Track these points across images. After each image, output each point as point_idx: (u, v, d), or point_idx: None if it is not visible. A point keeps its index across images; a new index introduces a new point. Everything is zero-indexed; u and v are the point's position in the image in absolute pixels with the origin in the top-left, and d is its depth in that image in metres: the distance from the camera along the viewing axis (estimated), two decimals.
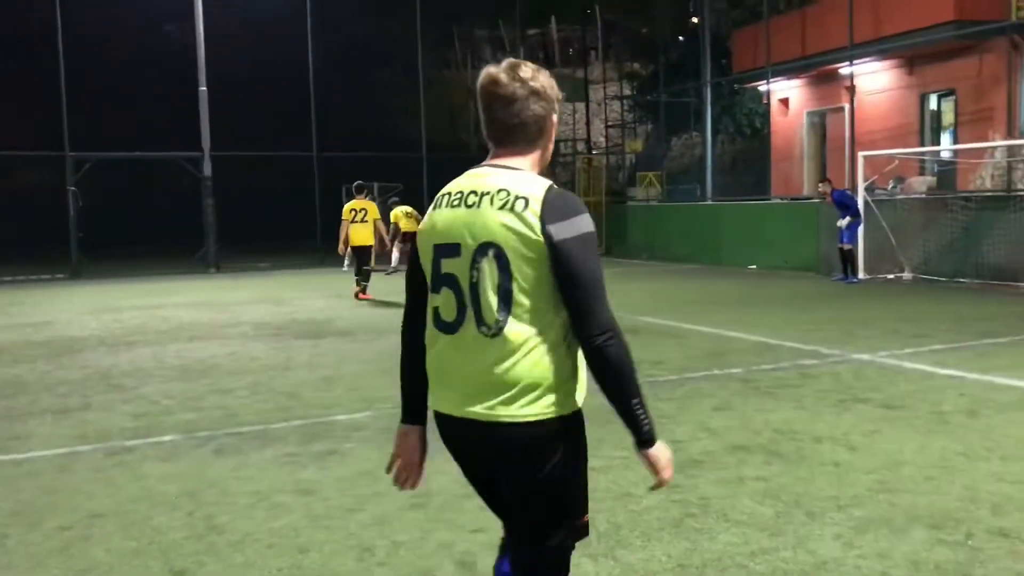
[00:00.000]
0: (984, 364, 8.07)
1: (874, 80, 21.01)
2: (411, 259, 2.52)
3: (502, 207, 2.31)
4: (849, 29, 18.80)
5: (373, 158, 25.72)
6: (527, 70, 2.39)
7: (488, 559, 3.90)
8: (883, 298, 13.78)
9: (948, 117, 20.04)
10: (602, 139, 33.62)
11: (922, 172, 19.30)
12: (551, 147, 2.48)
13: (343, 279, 18.94)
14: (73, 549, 4.18)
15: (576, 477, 2.48)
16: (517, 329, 2.31)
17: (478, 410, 2.36)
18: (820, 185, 17.05)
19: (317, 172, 23.77)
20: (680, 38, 30.49)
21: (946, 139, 20.03)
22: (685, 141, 31.63)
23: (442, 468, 5.14)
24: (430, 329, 2.46)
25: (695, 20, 27.39)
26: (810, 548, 3.94)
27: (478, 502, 4.59)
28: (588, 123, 34.01)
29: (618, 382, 2.37)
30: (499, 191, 2.33)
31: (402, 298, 2.64)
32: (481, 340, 2.34)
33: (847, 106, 20.20)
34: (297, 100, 24.55)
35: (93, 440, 6.11)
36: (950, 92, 19.66)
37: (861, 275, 16.47)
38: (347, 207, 14.74)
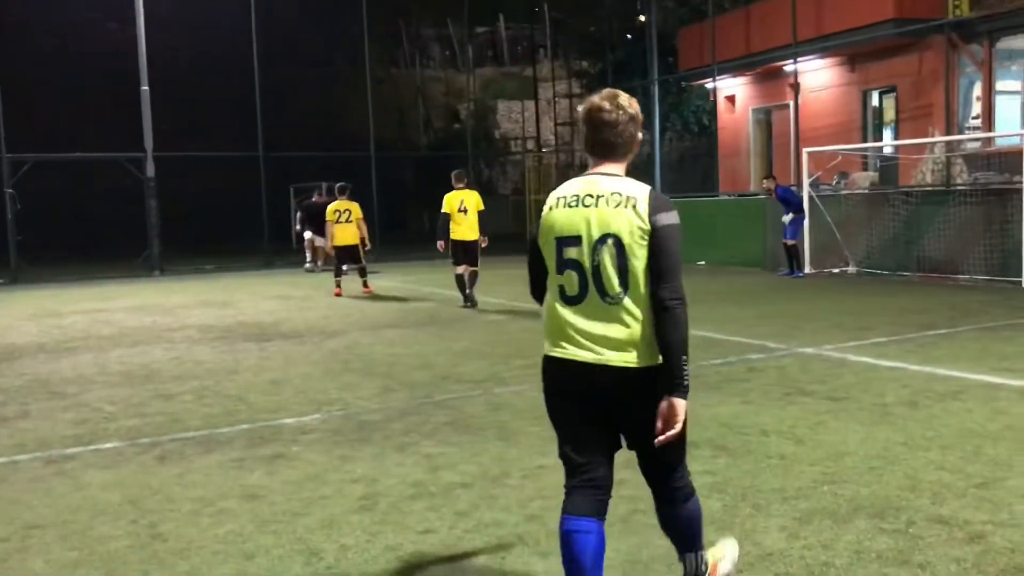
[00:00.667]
0: (925, 355, 8.24)
1: (817, 77, 21.34)
2: (532, 249, 3.26)
3: (617, 205, 3.05)
4: (792, 27, 19.08)
5: (321, 157, 25.49)
6: (624, 99, 3.13)
7: (437, 561, 3.89)
8: (828, 292, 14.01)
9: (889, 113, 20.44)
10: (552, 137, 33.71)
11: (865, 168, 19.68)
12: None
13: (290, 281, 18.76)
14: (10, 561, 4.07)
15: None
16: (632, 299, 3.06)
17: (604, 357, 3.06)
18: (764, 181, 17.30)
19: (263, 171, 23.46)
20: (628, 36, 30.68)
21: (888, 135, 20.44)
22: None
23: (389, 471, 5.14)
24: (555, 301, 3.16)
25: (642, 18, 27.59)
26: (756, 540, 3.98)
27: (425, 503, 4.58)
28: (538, 121, 34.09)
29: (678, 338, 3.03)
30: (612, 193, 3.07)
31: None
32: (604, 308, 3.06)
33: (791, 103, 20.51)
34: (242, 99, 24.20)
35: (32, 449, 5.96)
36: (891, 89, 20.06)
37: (807, 269, 16.74)
38: (331, 208, 15.10)
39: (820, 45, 19.75)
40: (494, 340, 10.02)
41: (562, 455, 3.26)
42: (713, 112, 24.35)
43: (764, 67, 21.89)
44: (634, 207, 3.04)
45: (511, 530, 4.20)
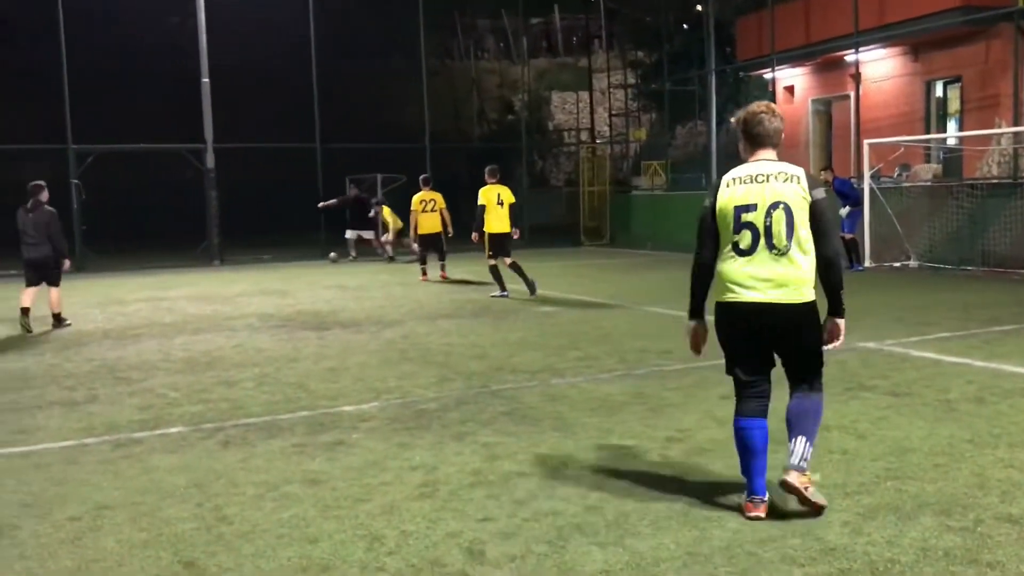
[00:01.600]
0: (990, 351, 8.06)
1: (879, 67, 20.92)
2: (704, 218, 4.27)
3: (785, 181, 4.12)
4: (854, 16, 18.72)
5: (376, 149, 25.68)
6: (775, 108, 4.33)
7: (496, 547, 3.91)
8: (889, 286, 13.75)
9: (954, 104, 19.96)
10: (606, 128, 33.53)
11: (927, 160, 19.24)
12: None
13: (347, 271, 18.96)
14: (84, 540, 4.19)
15: (821, 336, 4.27)
16: (796, 250, 4.10)
17: (776, 297, 4.11)
18: (822, 173, 17.00)
19: (320, 163, 23.73)
20: (684, 26, 30.38)
21: (952, 126, 19.96)
22: (690, 130, 31.56)
23: (448, 459, 5.19)
24: (729, 256, 4.20)
25: (699, 7, 27.28)
26: (818, 535, 3.94)
27: (484, 491, 4.62)
28: (592, 112, 33.94)
29: (838, 280, 4.22)
30: (779, 172, 4.15)
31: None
32: (772, 257, 4.11)
33: (852, 94, 20.12)
34: (300, 91, 24.48)
35: (100, 432, 6.13)
36: (956, 79, 19.58)
37: (867, 263, 16.43)
38: (416, 198, 16.05)
39: (883, 34, 19.35)
40: (548, 331, 10.03)
41: (733, 375, 4.35)
42: (771, 103, 24.05)
43: (824, 57, 21.53)
44: (798, 182, 4.12)
45: (569, 520, 4.21)
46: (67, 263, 11.50)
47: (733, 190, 4.18)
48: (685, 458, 5.13)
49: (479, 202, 13.32)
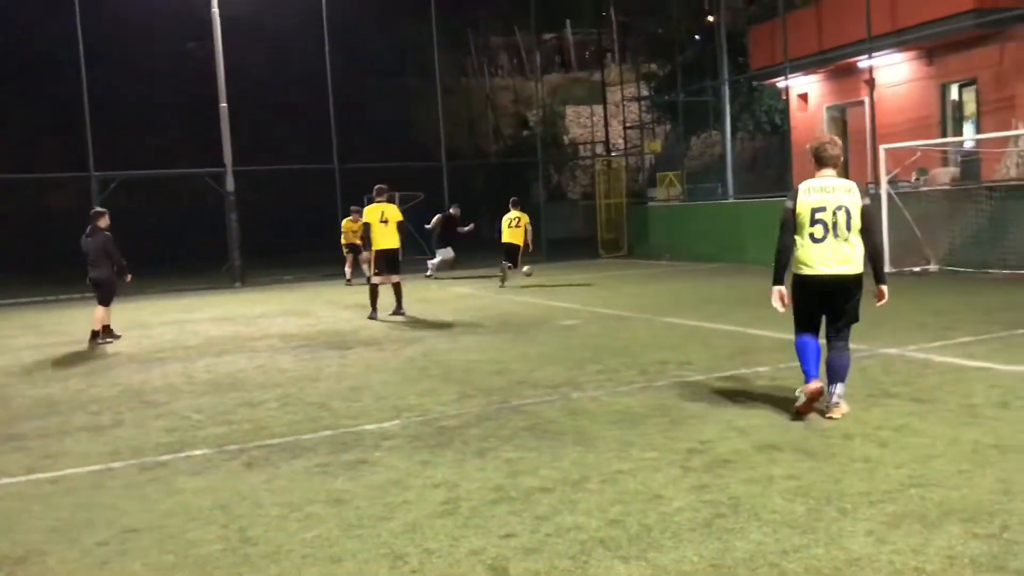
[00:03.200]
0: (1014, 355, 8.00)
1: (893, 72, 20.85)
2: (788, 216, 6.09)
3: (847, 192, 5.96)
4: (866, 22, 18.68)
5: (394, 168, 25.85)
6: (837, 139, 6.25)
7: (519, 563, 3.93)
8: (909, 291, 13.65)
9: (970, 107, 19.84)
10: (621, 141, 33.56)
11: (945, 163, 19.13)
12: None
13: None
14: (112, 564, 4.24)
15: (861, 295, 6.13)
16: (855, 238, 5.96)
17: (839, 271, 5.98)
18: None
19: (339, 184, 23.89)
20: (696, 37, 30.41)
21: (968, 129, 19.83)
22: (704, 140, 31.54)
23: (470, 476, 5.21)
24: (806, 243, 6.03)
25: (711, 18, 27.31)
26: (843, 545, 3.92)
27: (506, 508, 4.63)
28: (606, 125, 33.99)
29: (879, 259, 6.24)
30: (840, 185, 5.99)
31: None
32: (838, 243, 5.95)
33: (867, 99, 20.06)
34: (317, 113, 24.70)
35: (127, 456, 6.19)
36: (971, 81, 19.48)
37: (887, 269, 16.33)
38: (506, 218, 18.57)
39: (896, 39, 19.30)
40: (568, 345, 10.04)
41: (799, 320, 6.25)
42: (785, 111, 23.98)
43: (837, 64, 21.48)
44: (853, 192, 6.00)
45: (592, 534, 4.22)
46: (128, 277, 12.69)
47: (810, 197, 6.02)
48: (707, 469, 5.12)
49: (363, 220, 13.86)
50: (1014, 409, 6.11)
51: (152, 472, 5.77)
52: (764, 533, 4.11)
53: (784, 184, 22.23)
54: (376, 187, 13.79)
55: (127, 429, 7.04)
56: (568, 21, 42.10)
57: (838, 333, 6.12)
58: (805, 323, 6.19)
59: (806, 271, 6.04)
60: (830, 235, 5.93)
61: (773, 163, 27.06)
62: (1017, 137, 16.77)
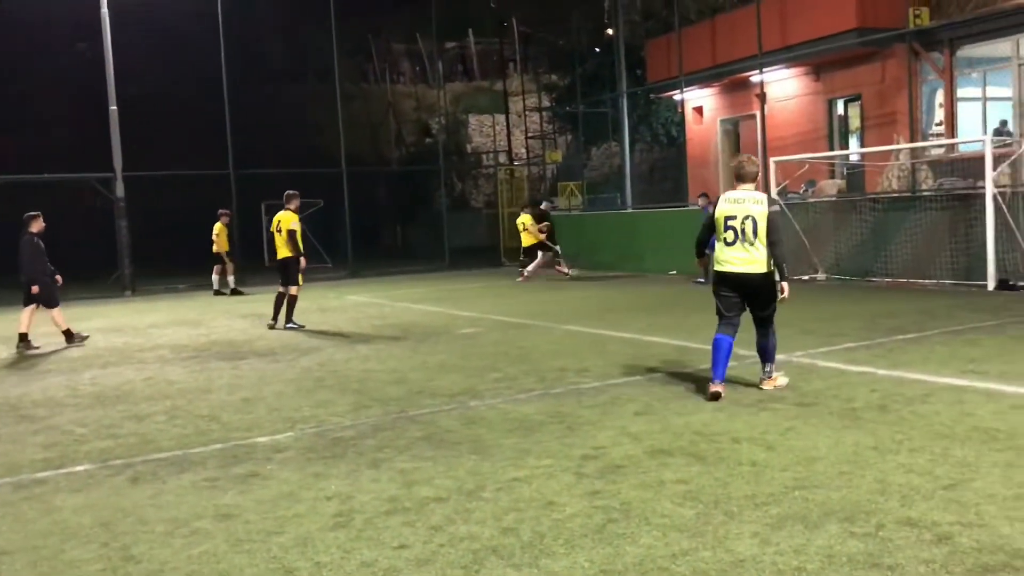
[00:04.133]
0: (894, 360, 8.36)
1: (784, 87, 21.61)
2: (708, 222, 7.30)
3: (756, 203, 7.03)
4: (758, 38, 19.31)
5: (292, 174, 25.42)
6: (754, 158, 7.45)
7: (411, 575, 3.89)
8: (798, 299, 14.10)
9: (855, 121, 20.72)
10: (523, 150, 33.82)
11: (832, 176, 19.91)
12: None
13: (265, 298, 18.62)
14: None
15: (775, 295, 7.16)
16: (760, 244, 6.98)
17: (746, 269, 7.04)
18: (699, 200, 17.52)
19: (235, 189, 23.35)
20: (596, 49, 30.89)
21: (854, 143, 20.70)
22: (604, 151, 32.04)
23: (363, 487, 5.14)
24: (722, 245, 7.11)
25: (610, 31, 27.79)
26: (729, 547, 4.02)
27: (400, 519, 4.60)
28: (509, 135, 34.19)
29: (782, 261, 7.07)
30: (751, 197, 7.08)
31: None
32: (745, 247, 7.00)
33: (758, 113, 20.73)
34: (212, 117, 24.11)
35: (0, 475, 5.90)
36: (856, 97, 20.34)
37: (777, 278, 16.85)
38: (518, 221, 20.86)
39: (785, 55, 20.01)
40: (468, 353, 10.03)
41: (719, 314, 7.27)
42: (682, 123, 24.54)
43: (731, 78, 22.13)
44: (762, 204, 7.01)
45: (485, 543, 4.22)
46: (35, 288, 12.10)
47: (724, 207, 7.14)
48: (600, 476, 5.18)
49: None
50: (891, 412, 6.38)
51: (28, 490, 5.50)
52: (654, 537, 4.17)
53: (681, 195, 22.79)
54: (285, 193, 13.54)
55: (2, 445, 6.71)
56: (470, 30, 42.23)
57: (760, 323, 7.30)
58: (723, 314, 7.23)
59: (720, 268, 7.19)
60: (739, 240, 7.02)
61: (670, 175, 27.68)
62: (898, 151, 17.58)
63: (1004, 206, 13.94)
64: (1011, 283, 13.76)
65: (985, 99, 18.04)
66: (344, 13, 25.31)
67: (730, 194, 7.16)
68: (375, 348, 10.79)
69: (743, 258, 7.01)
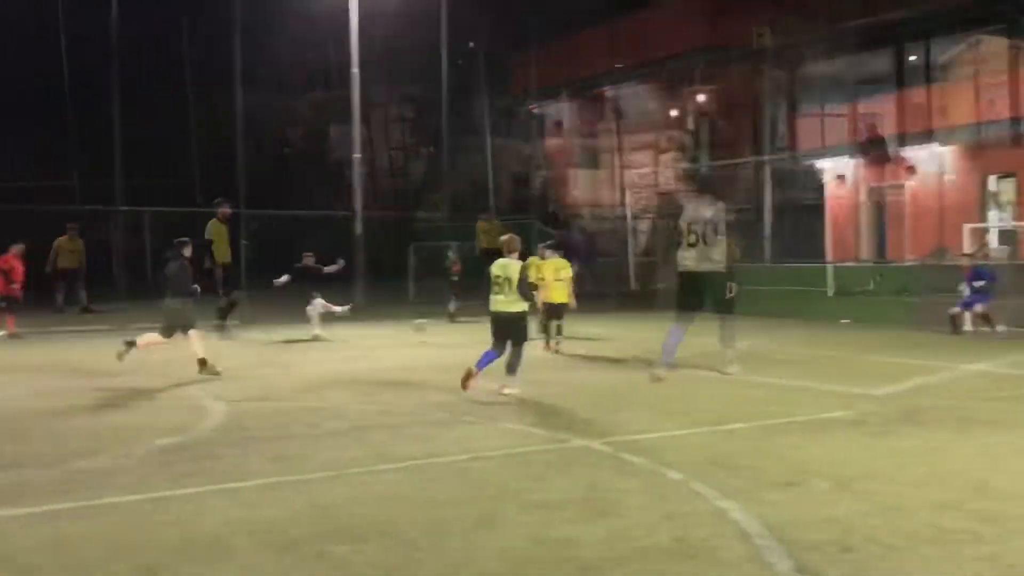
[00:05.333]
0: None
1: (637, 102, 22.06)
2: (677, 225, 8.72)
3: (715, 211, 8.57)
4: (611, 55, 19.70)
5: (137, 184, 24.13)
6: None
7: None
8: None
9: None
10: (386, 162, 33.40)
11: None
12: None
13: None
14: None
15: (733, 292, 8.90)
16: (718, 246, 8.48)
17: (704, 267, 8.41)
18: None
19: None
20: (459, 62, 30.81)
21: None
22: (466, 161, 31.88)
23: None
24: (684, 245, 8.53)
25: (471, 44, 27.82)
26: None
27: None
28: (372, 146, 33.67)
29: (732, 260, 8.75)
30: (709, 207, 8.57)
31: None
32: (706, 248, 8.38)
33: (614, 126, 21.16)
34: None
35: None
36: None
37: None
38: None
39: (640, 72, 20.50)
40: None
41: (676, 306, 8.51)
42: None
43: (592, 93, 22.47)
44: (721, 211, 8.31)
45: None
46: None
47: (687, 214, 8.30)
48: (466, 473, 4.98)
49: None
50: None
51: None
52: None
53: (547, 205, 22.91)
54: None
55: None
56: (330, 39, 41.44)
57: (721, 319, 8.60)
58: (680, 309, 8.46)
59: (682, 267, 8.39)
60: (700, 242, 8.16)
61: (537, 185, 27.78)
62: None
63: None
64: None
65: None
66: (193, 16, 24.30)
67: (691, 204, 8.59)
68: None
69: (702, 257, 8.26)
